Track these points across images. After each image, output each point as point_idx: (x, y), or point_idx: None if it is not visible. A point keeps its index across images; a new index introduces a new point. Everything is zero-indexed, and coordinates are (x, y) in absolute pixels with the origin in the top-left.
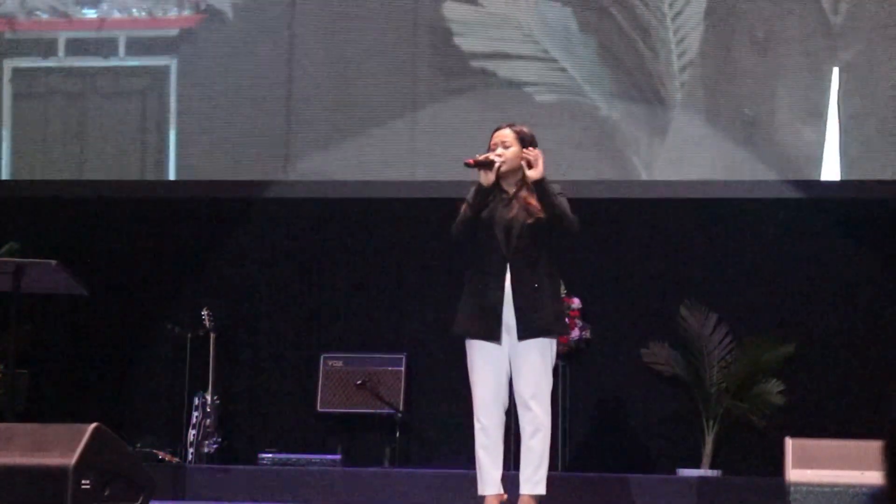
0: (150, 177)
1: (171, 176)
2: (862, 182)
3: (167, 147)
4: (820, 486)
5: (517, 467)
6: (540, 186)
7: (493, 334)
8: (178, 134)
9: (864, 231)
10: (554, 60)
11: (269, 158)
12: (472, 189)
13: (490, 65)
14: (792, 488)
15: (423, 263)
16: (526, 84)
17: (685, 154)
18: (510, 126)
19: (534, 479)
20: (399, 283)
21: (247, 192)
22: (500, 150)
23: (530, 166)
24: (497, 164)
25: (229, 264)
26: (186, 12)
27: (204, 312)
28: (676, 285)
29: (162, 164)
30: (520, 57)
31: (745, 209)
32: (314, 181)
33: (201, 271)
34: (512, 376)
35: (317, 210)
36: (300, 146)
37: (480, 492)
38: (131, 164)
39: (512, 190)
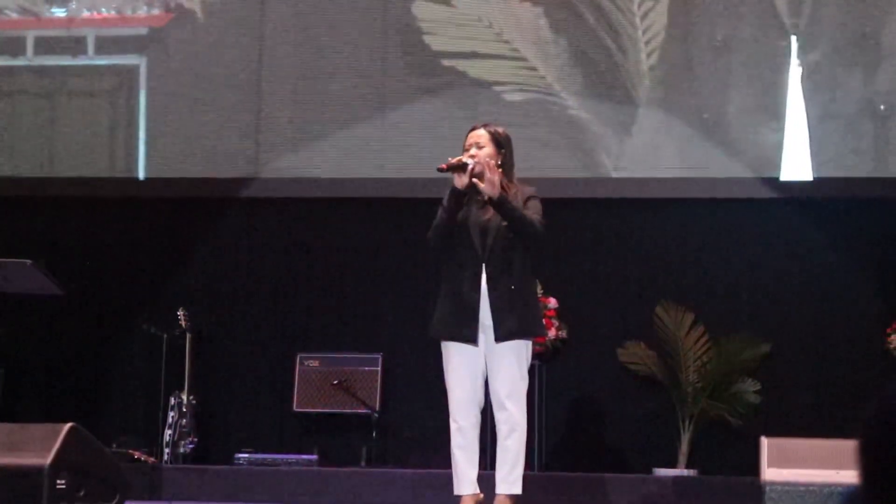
0: (119, 176)
1: (141, 175)
2: (834, 180)
3: (137, 146)
4: (795, 485)
5: (493, 467)
6: (494, 204)
7: (469, 336)
8: (148, 133)
9: (837, 230)
10: (524, 59)
11: (239, 157)
12: (447, 192)
13: (460, 64)
14: (767, 487)
15: (399, 263)
16: (496, 83)
17: (655, 154)
18: (485, 126)
19: (509, 478)
20: (375, 282)
21: (221, 191)
22: (473, 151)
23: (479, 179)
24: (470, 166)
25: (205, 264)
26: (156, 11)
27: (180, 313)
28: (652, 285)
29: (131, 163)
30: (490, 56)
31: (720, 209)
32: (287, 180)
33: (177, 271)
34: (488, 376)
35: (291, 209)
36: (270, 145)
37: (456, 492)
38: (101, 163)
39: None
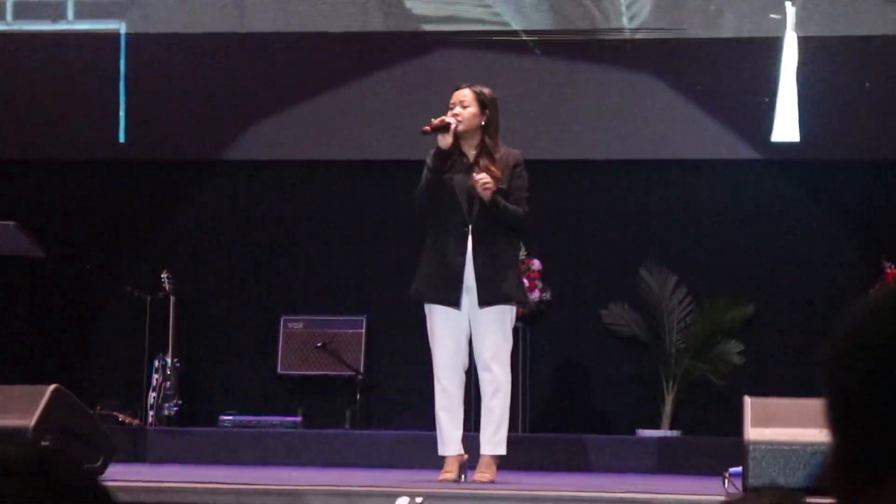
0: (100, 141)
1: (122, 140)
2: (818, 143)
3: (118, 111)
4: (779, 444)
5: (478, 429)
6: (485, 206)
7: (453, 300)
8: (129, 97)
9: (822, 192)
10: (506, 24)
11: (222, 122)
12: (432, 152)
13: (442, 28)
14: (751, 447)
15: (383, 224)
16: (478, 47)
17: (640, 116)
18: (469, 86)
19: (494, 439)
20: (359, 244)
21: (205, 154)
22: (457, 110)
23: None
24: (453, 125)
25: (189, 227)
26: None
27: (163, 275)
28: (636, 246)
29: (113, 127)
30: (472, 20)
31: (705, 170)
32: (270, 143)
33: (161, 234)
34: (472, 338)
35: (274, 172)
36: (251, 109)
37: (441, 452)
38: (81, 127)
39: (472, 154)
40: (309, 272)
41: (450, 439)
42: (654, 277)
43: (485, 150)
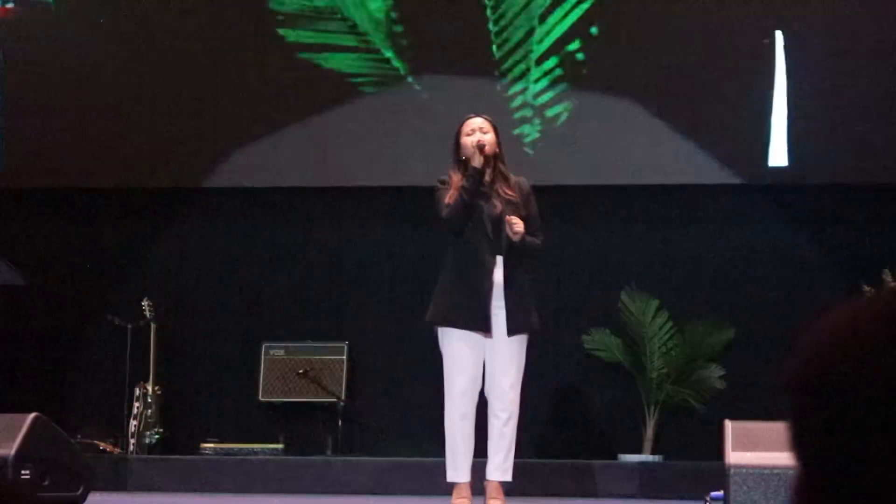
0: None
1: None
2: (798, 167)
3: None
4: (760, 468)
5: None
6: (516, 245)
7: (483, 325)
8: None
9: (802, 216)
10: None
11: (201, 149)
12: (466, 174)
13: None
14: (732, 470)
15: (365, 251)
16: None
17: (621, 142)
18: (479, 115)
19: (504, 465)
20: (340, 271)
21: (185, 182)
22: (477, 135)
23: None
24: (486, 147)
25: (170, 255)
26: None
27: (144, 303)
28: (617, 272)
29: None
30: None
31: (685, 195)
32: (251, 170)
33: (141, 262)
34: (491, 366)
35: (256, 199)
36: (232, 137)
37: (454, 479)
38: (56, 155)
39: (487, 179)
40: (290, 299)
41: (464, 466)
42: (634, 302)
43: (500, 176)
